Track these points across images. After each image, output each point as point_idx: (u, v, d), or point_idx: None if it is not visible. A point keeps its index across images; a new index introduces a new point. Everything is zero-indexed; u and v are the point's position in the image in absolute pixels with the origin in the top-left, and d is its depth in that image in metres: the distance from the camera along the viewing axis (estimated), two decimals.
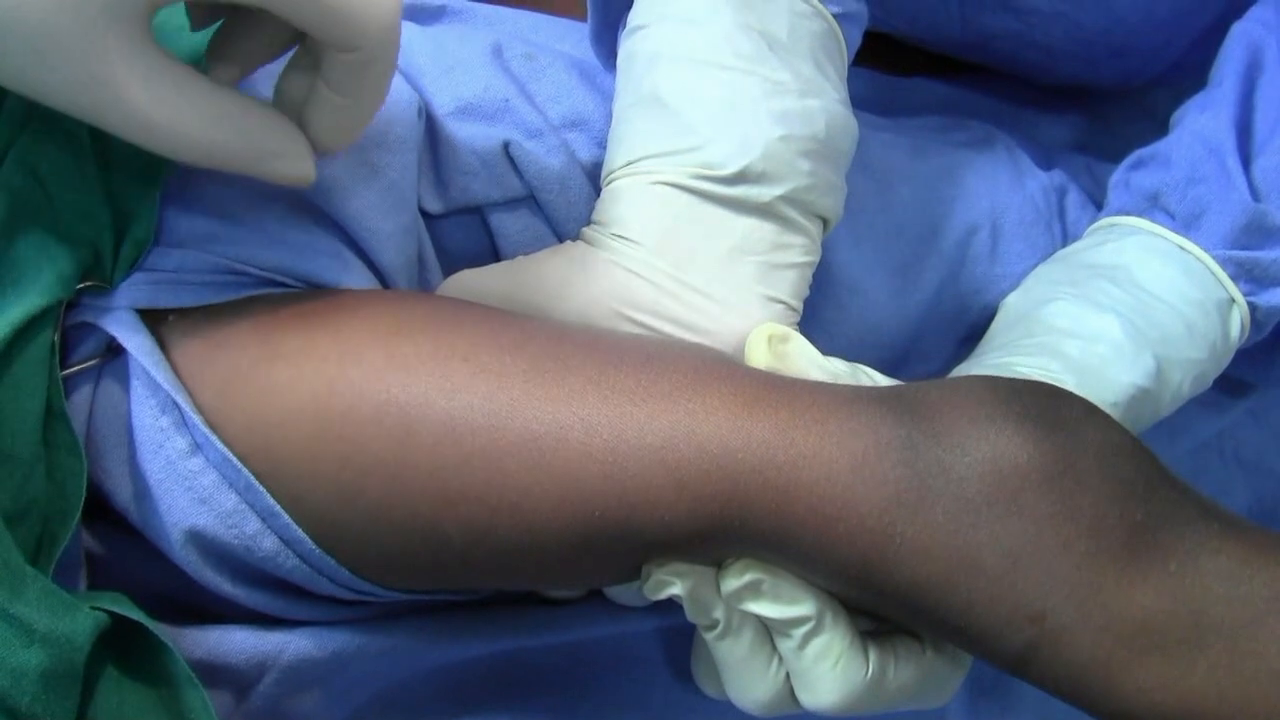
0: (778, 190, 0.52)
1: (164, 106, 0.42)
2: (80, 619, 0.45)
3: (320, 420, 0.45)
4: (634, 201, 0.52)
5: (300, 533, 0.46)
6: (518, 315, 0.49)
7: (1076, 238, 0.67)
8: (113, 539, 0.51)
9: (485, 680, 0.56)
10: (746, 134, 0.52)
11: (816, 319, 0.59)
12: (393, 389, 0.45)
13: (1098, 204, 0.70)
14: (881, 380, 0.50)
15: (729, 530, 0.44)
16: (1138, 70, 0.76)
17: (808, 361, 0.49)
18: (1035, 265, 0.66)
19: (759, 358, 0.49)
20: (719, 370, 0.46)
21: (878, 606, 0.46)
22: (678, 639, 0.59)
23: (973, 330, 0.66)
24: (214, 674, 0.50)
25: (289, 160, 0.45)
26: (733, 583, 0.45)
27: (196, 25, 0.47)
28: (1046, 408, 0.45)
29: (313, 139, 0.47)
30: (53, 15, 0.38)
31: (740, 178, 0.51)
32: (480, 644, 0.55)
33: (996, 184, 0.68)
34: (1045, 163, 0.72)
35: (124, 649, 0.47)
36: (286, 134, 0.45)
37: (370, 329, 0.47)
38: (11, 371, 0.46)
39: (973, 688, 0.65)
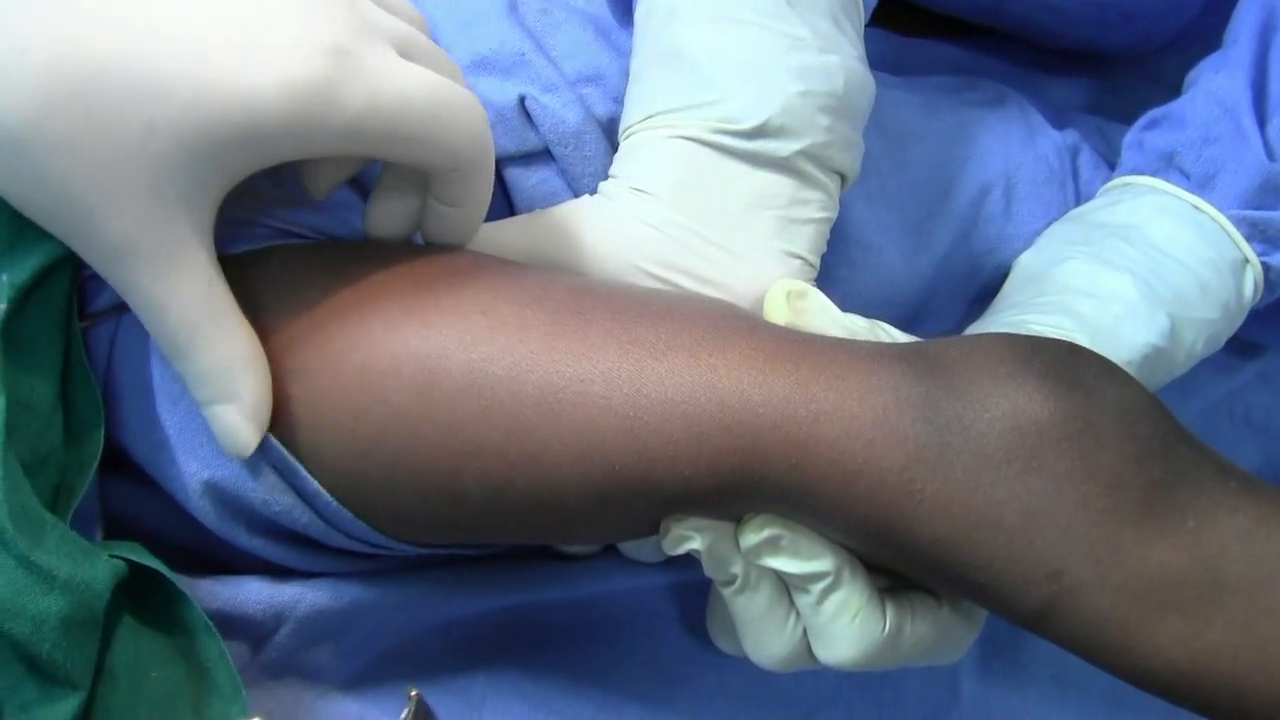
0: (796, 145, 0.52)
1: (171, 306, 0.42)
2: (99, 566, 0.45)
3: (338, 372, 0.45)
4: (652, 155, 0.52)
5: (317, 486, 0.46)
6: (537, 269, 0.49)
7: (1089, 197, 0.67)
8: (129, 490, 0.51)
9: (498, 634, 0.56)
10: (766, 88, 0.51)
11: (830, 276, 0.59)
12: (411, 341, 0.45)
13: (1110, 164, 0.70)
14: (900, 337, 0.50)
15: (749, 485, 0.44)
16: (1149, 34, 0.76)
17: (827, 317, 0.49)
18: (1048, 225, 0.66)
19: (778, 313, 0.49)
20: (739, 325, 0.46)
21: (896, 562, 0.46)
22: (691, 594, 0.60)
23: (985, 289, 0.66)
24: (230, 625, 0.50)
25: (234, 419, 0.44)
26: (751, 538, 0.45)
27: (317, 191, 0.49)
28: (1066, 365, 0.45)
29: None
30: (127, 182, 0.39)
31: (759, 132, 0.51)
32: (494, 598, 0.55)
33: (1009, 143, 0.68)
34: (1057, 123, 0.72)
35: (141, 598, 0.47)
36: (253, 393, 0.45)
37: (389, 282, 0.46)
38: (28, 321, 0.46)
39: (985, 647, 0.65)
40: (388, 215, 0.49)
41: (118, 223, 0.40)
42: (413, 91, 0.42)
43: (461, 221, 0.49)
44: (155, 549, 0.48)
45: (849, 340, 0.47)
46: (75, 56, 0.38)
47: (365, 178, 0.52)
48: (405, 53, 0.44)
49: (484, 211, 0.49)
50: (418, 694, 0.50)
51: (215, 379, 0.44)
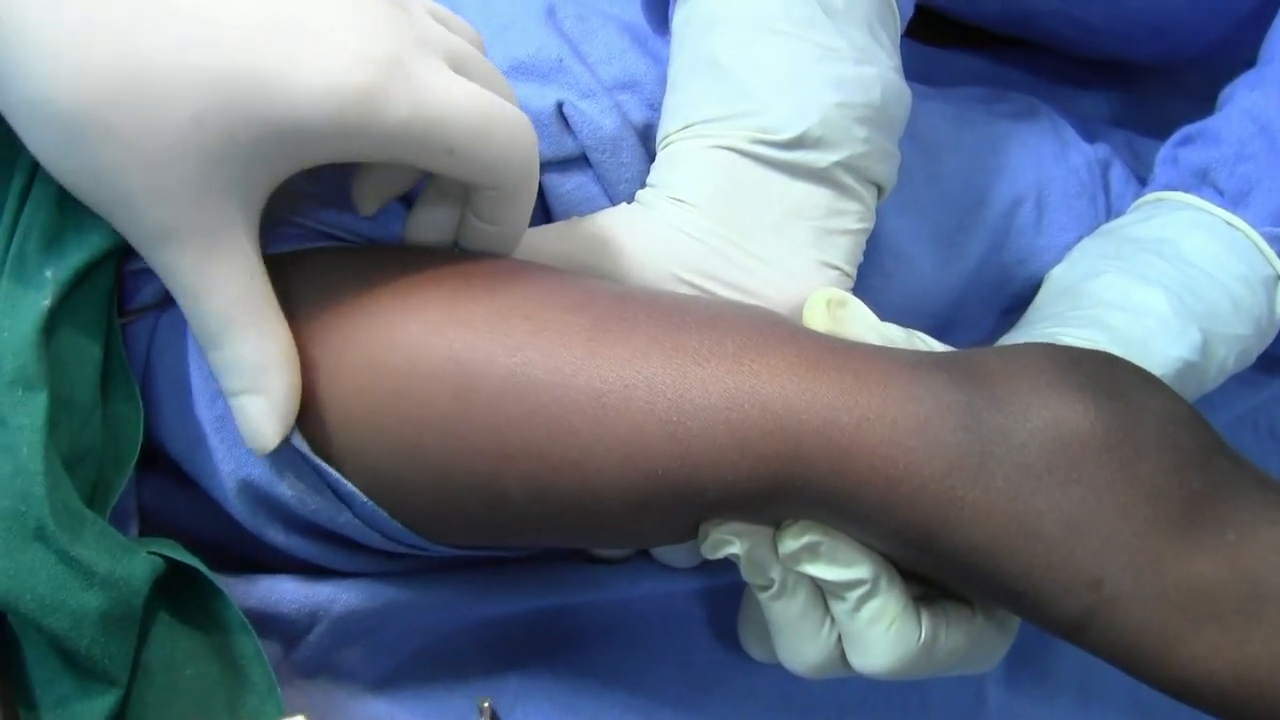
0: (834, 156, 0.52)
1: (211, 295, 0.43)
2: (138, 562, 0.45)
3: (379, 374, 0.45)
4: (691, 165, 0.53)
5: (352, 487, 0.46)
6: (578, 275, 0.49)
7: (1120, 212, 0.68)
8: (165, 487, 0.51)
9: (529, 636, 0.56)
10: (804, 100, 0.52)
11: (862, 285, 0.59)
12: (454, 345, 0.45)
13: (1140, 179, 0.70)
14: (936, 346, 0.51)
15: (790, 490, 0.44)
16: (1177, 48, 0.76)
17: (866, 326, 0.49)
18: (1079, 238, 0.67)
19: (817, 321, 0.49)
20: (781, 332, 0.46)
21: (934, 570, 0.46)
22: (722, 599, 0.60)
23: (1015, 301, 0.66)
24: (264, 623, 0.50)
25: (260, 411, 0.44)
26: (791, 544, 0.46)
27: (366, 207, 0.50)
28: (1106, 376, 0.45)
29: None
30: (172, 172, 0.40)
31: (797, 143, 0.51)
32: (525, 599, 0.55)
33: (1041, 156, 0.68)
34: (1087, 136, 0.72)
35: (177, 595, 0.48)
36: (282, 390, 0.45)
37: (431, 286, 0.47)
38: (72, 317, 0.46)
39: (1012, 655, 0.65)
40: (429, 223, 0.50)
41: (160, 211, 0.40)
42: (458, 105, 0.43)
43: (499, 239, 0.49)
44: (190, 546, 0.48)
45: (890, 349, 0.47)
46: (128, 47, 0.38)
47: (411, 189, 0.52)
48: (459, 67, 0.45)
49: (522, 231, 0.50)
50: (490, 704, 0.50)
51: (246, 371, 0.44)
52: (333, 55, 0.40)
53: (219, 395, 0.47)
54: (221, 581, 0.48)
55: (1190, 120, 0.66)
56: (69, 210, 0.45)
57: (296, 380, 0.45)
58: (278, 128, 0.40)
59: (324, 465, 0.46)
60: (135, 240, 0.42)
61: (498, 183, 0.46)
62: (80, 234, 0.45)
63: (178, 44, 0.38)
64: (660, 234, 0.52)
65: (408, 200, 0.52)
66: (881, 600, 0.46)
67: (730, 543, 0.46)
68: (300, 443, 0.46)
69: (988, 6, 0.74)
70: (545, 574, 0.55)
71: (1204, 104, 0.67)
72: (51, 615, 0.42)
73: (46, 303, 0.44)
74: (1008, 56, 0.82)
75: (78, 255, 0.45)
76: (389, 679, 0.54)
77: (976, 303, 0.65)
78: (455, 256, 0.49)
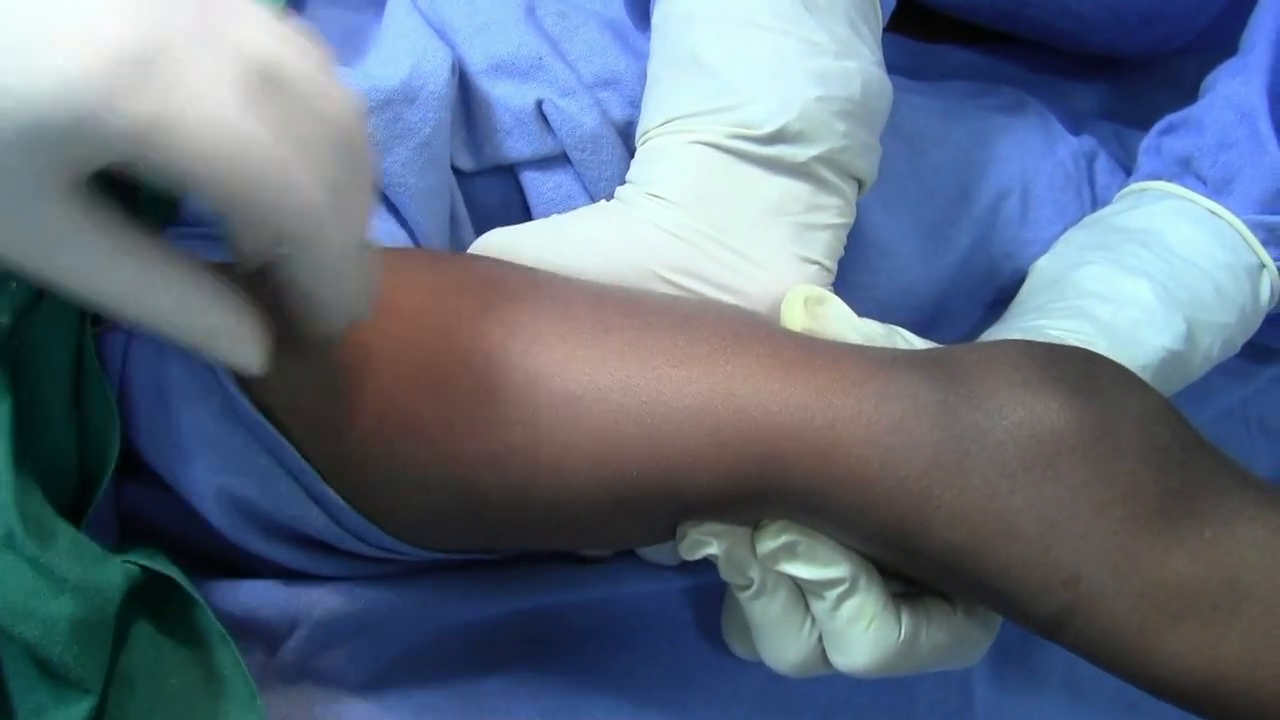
0: (813, 150, 0.52)
1: (97, 276, 0.38)
2: (111, 570, 0.45)
3: (356, 379, 0.45)
4: (670, 160, 0.52)
5: (330, 491, 0.46)
6: (556, 276, 0.49)
7: (1106, 203, 0.67)
8: (145, 494, 0.51)
9: (513, 637, 0.56)
10: (783, 94, 0.51)
11: (847, 281, 0.59)
12: (429, 349, 0.45)
13: (1127, 170, 0.70)
14: (917, 342, 0.50)
15: (766, 491, 0.44)
16: (1168, 38, 0.76)
17: (844, 323, 0.49)
18: (1065, 229, 0.67)
19: (795, 319, 0.49)
20: (757, 332, 0.46)
21: (912, 569, 0.46)
22: (707, 598, 0.59)
23: (1002, 294, 0.66)
24: (245, 629, 0.50)
25: (232, 342, 0.40)
26: (768, 544, 0.46)
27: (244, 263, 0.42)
28: (1083, 373, 0.45)
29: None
30: None
31: (776, 137, 0.51)
32: (509, 601, 0.55)
33: (1028, 148, 0.68)
34: (1074, 129, 0.72)
35: (157, 605, 0.47)
36: (233, 315, 0.40)
37: (407, 289, 0.46)
38: (40, 328, 0.46)
39: (998, 652, 0.65)
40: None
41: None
42: (206, 128, 0.36)
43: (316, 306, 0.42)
44: (171, 552, 0.48)
45: (866, 347, 0.47)
46: None
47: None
48: (259, 84, 0.38)
49: (347, 305, 0.42)
50: None
51: (179, 310, 0.39)
52: (69, 52, 0.35)
53: (196, 403, 0.47)
54: (201, 590, 0.48)
55: (1179, 110, 0.65)
56: None
57: (238, 305, 0.40)
58: (19, 132, 0.35)
59: (305, 466, 0.46)
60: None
61: (260, 235, 0.39)
62: None
63: None
64: (639, 231, 0.51)
65: (381, 199, 0.52)
66: (860, 599, 0.46)
67: (708, 543, 0.46)
68: (286, 446, 0.46)
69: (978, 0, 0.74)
70: (528, 575, 0.55)
71: (1193, 95, 0.66)
72: (23, 623, 0.42)
73: (5, 320, 0.44)
74: (998, 51, 0.81)
75: None
76: (372, 682, 0.53)
77: (962, 296, 0.65)
78: (433, 257, 0.49)
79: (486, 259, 0.50)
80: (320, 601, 0.51)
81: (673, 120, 0.53)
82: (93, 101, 0.35)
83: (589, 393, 0.44)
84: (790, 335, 0.47)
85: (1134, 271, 0.58)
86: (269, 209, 0.37)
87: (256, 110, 0.37)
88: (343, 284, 0.41)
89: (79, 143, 0.35)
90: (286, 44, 0.39)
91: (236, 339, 0.40)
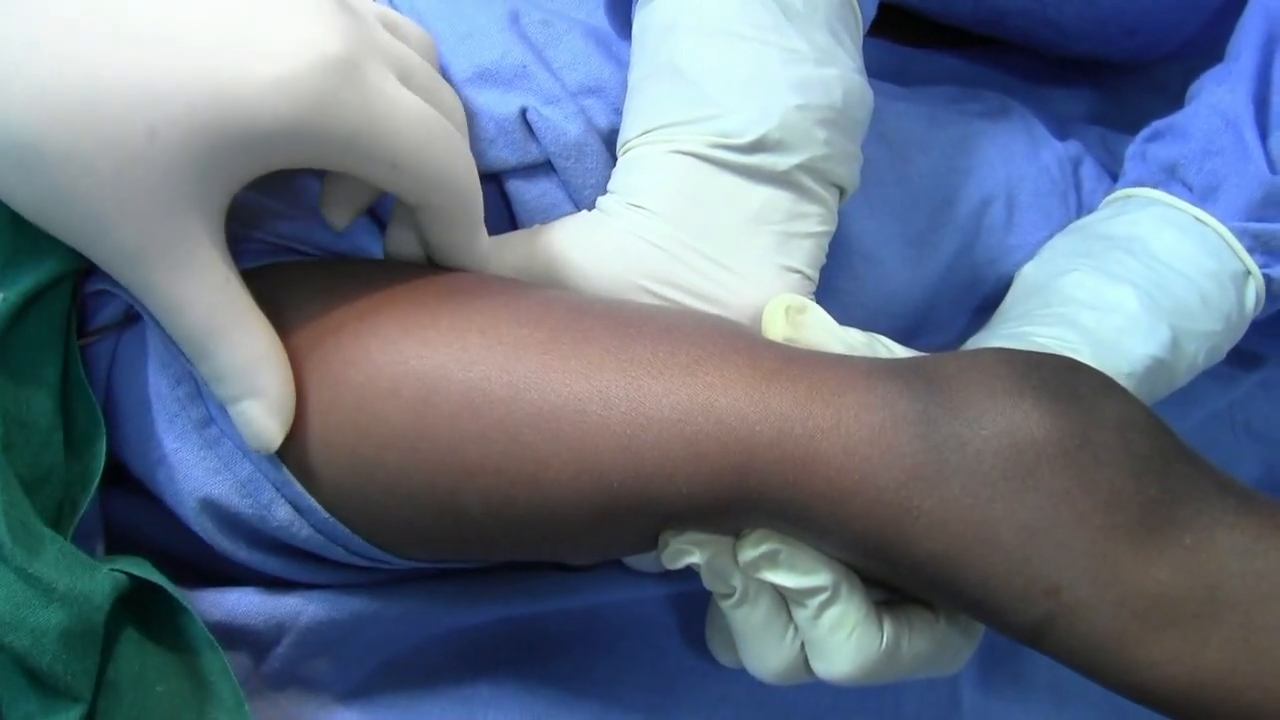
0: (794, 159, 0.52)
1: (188, 307, 0.43)
2: (99, 579, 0.45)
3: (336, 391, 0.45)
4: (650, 170, 0.52)
5: (314, 502, 0.46)
6: (536, 287, 0.49)
7: (1092, 208, 0.67)
8: (131, 504, 0.52)
9: (499, 644, 0.56)
10: (764, 103, 0.51)
11: (832, 288, 0.59)
12: (410, 361, 0.45)
13: (1113, 175, 0.70)
14: (899, 351, 0.50)
15: (746, 501, 0.44)
16: (1151, 47, 0.76)
17: (825, 332, 0.49)
18: (1050, 236, 0.67)
19: (777, 328, 0.49)
20: (737, 343, 0.46)
21: (893, 578, 0.46)
22: (692, 605, 0.60)
23: (987, 300, 0.66)
24: (232, 636, 0.50)
25: (260, 413, 0.45)
26: (750, 552, 0.46)
27: (337, 220, 0.50)
28: (1064, 382, 0.45)
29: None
30: (134, 188, 0.39)
31: (757, 146, 0.51)
32: (494, 608, 0.55)
33: (1012, 154, 0.68)
34: (1060, 134, 0.72)
35: (144, 613, 0.48)
36: (280, 381, 0.45)
37: (389, 303, 0.47)
38: (25, 339, 0.46)
39: (985, 657, 0.65)
40: (403, 240, 0.50)
41: (127, 229, 0.40)
42: (404, 117, 0.43)
43: (461, 257, 0.50)
44: (158, 561, 0.48)
45: (846, 357, 0.47)
46: (76, 68, 0.38)
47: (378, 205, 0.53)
48: (405, 79, 0.45)
49: (478, 248, 0.50)
50: None
51: (237, 376, 0.44)
52: (286, 57, 0.40)
53: (178, 416, 0.47)
54: (188, 597, 0.48)
55: (1166, 116, 0.65)
56: (24, 233, 0.45)
57: (289, 375, 0.45)
58: (232, 134, 0.40)
59: (289, 477, 0.46)
60: (105, 263, 0.42)
61: (437, 202, 0.46)
62: (35, 257, 0.45)
63: (124, 58, 0.38)
64: (621, 241, 0.52)
65: (370, 213, 0.52)
66: (842, 607, 0.46)
67: (690, 552, 0.46)
68: (273, 457, 0.46)
69: (961, 6, 0.74)
70: (514, 582, 0.55)
71: (1179, 100, 0.66)
72: (12, 633, 0.42)
73: None
74: (982, 55, 0.81)
75: (31, 278, 0.45)
76: (359, 689, 0.54)
77: (947, 303, 0.65)
78: (414, 272, 0.49)
79: (466, 273, 0.50)
80: (307, 608, 0.51)
81: (653, 130, 0.53)
82: (311, 103, 0.40)
83: (567, 404, 0.44)
84: (770, 345, 0.47)
85: (1119, 279, 0.58)
86: (449, 175, 0.45)
87: (418, 99, 0.44)
88: (470, 243, 0.49)
89: (291, 140, 0.41)
90: (406, 35, 0.49)
91: (273, 404, 0.45)
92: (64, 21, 0.38)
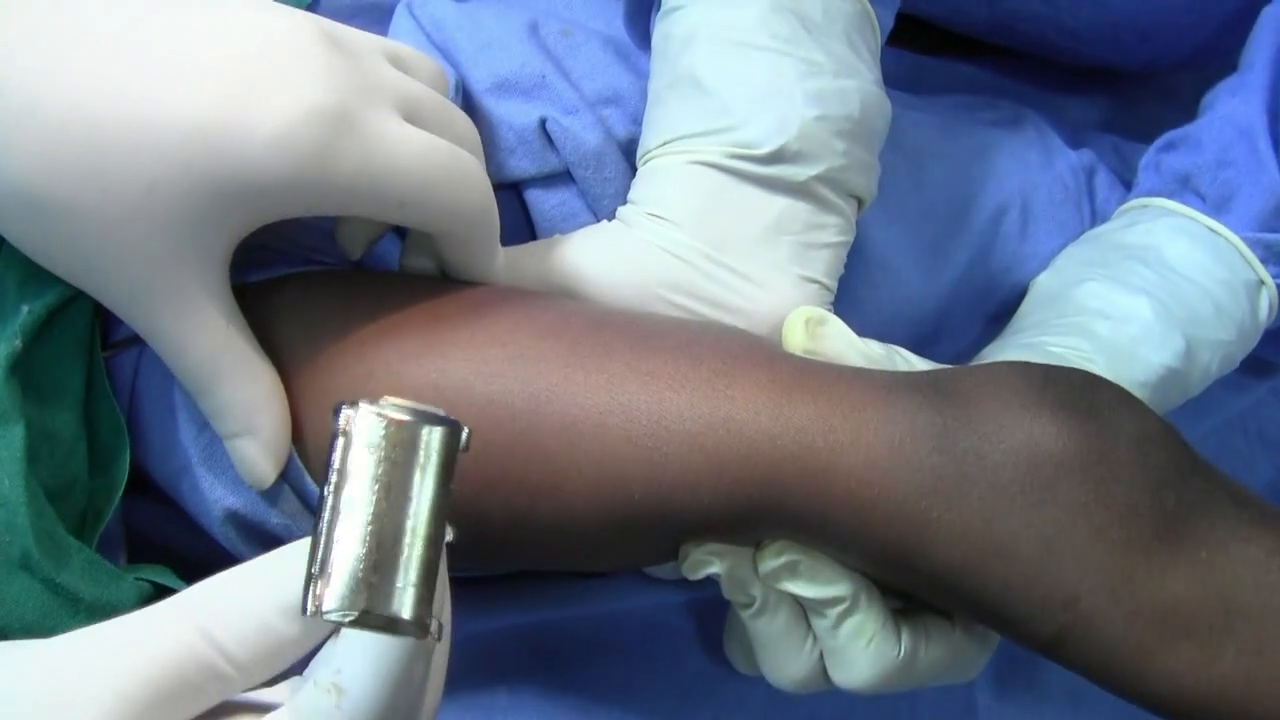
0: (813, 170, 0.52)
1: (190, 349, 0.44)
2: (125, 588, 0.45)
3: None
4: (670, 181, 0.53)
5: None
6: (556, 299, 0.50)
7: (1106, 218, 0.68)
8: (154, 512, 0.52)
9: (518, 650, 0.57)
10: (782, 114, 0.52)
11: (848, 296, 0.59)
12: (431, 374, 0.45)
13: (1126, 184, 0.70)
14: (917, 362, 0.51)
15: (766, 513, 0.44)
16: (1164, 54, 0.76)
17: (845, 344, 0.49)
18: (1064, 245, 0.67)
19: (796, 340, 0.49)
20: (758, 356, 0.46)
21: (911, 588, 0.47)
22: (709, 612, 0.60)
23: (1002, 308, 0.66)
24: None
25: (255, 452, 0.46)
26: (770, 563, 0.46)
27: (353, 252, 0.51)
28: (1081, 395, 0.45)
29: None
30: (133, 239, 0.40)
31: (776, 157, 0.51)
32: (514, 614, 0.55)
33: (1027, 163, 0.68)
34: (1073, 142, 0.72)
35: None
36: (276, 423, 0.46)
37: (410, 316, 0.47)
38: (49, 351, 0.46)
39: (1001, 664, 0.66)
40: (419, 263, 0.51)
41: (126, 277, 0.41)
42: (408, 157, 0.43)
43: (478, 274, 0.50)
44: (180, 569, 0.48)
45: (865, 370, 0.47)
46: (79, 119, 0.39)
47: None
48: (412, 114, 0.45)
49: (494, 266, 0.50)
50: None
51: (235, 415, 0.45)
52: (279, 111, 0.40)
53: (205, 425, 0.47)
54: None
55: (1179, 124, 0.66)
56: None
57: (285, 416, 0.46)
58: (228, 190, 0.40)
59: (314, 487, 0.46)
60: (110, 305, 0.43)
61: (452, 230, 0.46)
62: None
63: (125, 113, 0.39)
64: (640, 251, 0.52)
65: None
66: (861, 617, 0.46)
67: (710, 563, 0.46)
68: (299, 467, 0.46)
69: (975, 14, 0.74)
70: (533, 588, 0.56)
71: (1193, 108, 0.67)
72: None
73: (18, 343, 0.45)
74: (996, 63, 0.81)
75: (55, 291, 0.45)
76: None
77: (963, 311, 0.65)
78: (436, 284, 0.50)
79: (488, 286, 0.50)
80: None
81: (673, 140, 0.53)
82: (307, 156, 0.40)
83: (589, 417, 0.44)
84: (790, 358, 0.47)
85: (1133, 289, 0.59)
86: (459, 205, 0.46)
87: (423, 134, 0.44)
88: (488, 264, 0.50)
89: (289, 194, 0.41)
90: (415, 67, 0.49)
91: (268, 444, 0.46)
92: (69, 75, 0.39)
